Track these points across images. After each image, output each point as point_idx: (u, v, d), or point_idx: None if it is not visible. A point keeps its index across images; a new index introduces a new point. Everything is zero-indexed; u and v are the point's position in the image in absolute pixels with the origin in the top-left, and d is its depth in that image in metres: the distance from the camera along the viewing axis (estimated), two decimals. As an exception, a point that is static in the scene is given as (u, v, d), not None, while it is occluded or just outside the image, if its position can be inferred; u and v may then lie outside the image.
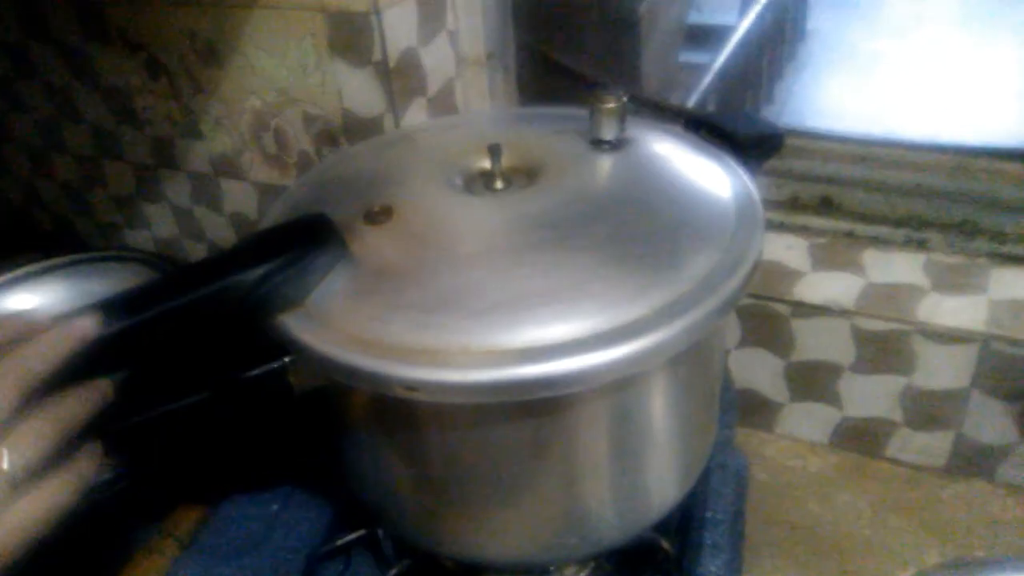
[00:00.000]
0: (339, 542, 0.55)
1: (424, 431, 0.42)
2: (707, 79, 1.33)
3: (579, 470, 0.43)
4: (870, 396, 0.70)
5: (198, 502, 0.60)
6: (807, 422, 0.74)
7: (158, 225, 0.96)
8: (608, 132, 0.49)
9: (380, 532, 0.54)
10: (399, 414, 0.42)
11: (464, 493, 0.45)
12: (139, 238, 0.99)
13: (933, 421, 0.69)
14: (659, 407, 0.43)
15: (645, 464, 0.45)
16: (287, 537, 0.55)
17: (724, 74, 1.38)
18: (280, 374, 0.43)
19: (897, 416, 0.70)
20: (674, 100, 1.16)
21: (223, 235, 0.92)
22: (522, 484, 0.43)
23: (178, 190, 0.91)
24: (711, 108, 1.24)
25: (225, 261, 0.43)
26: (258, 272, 0.41)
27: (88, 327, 0.39)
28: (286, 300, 0.41)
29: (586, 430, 0.42)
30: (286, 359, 0.43)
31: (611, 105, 0.48)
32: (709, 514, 0.54)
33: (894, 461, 0.72)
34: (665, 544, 0.52)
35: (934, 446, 0.70)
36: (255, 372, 0.44)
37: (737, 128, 0.50)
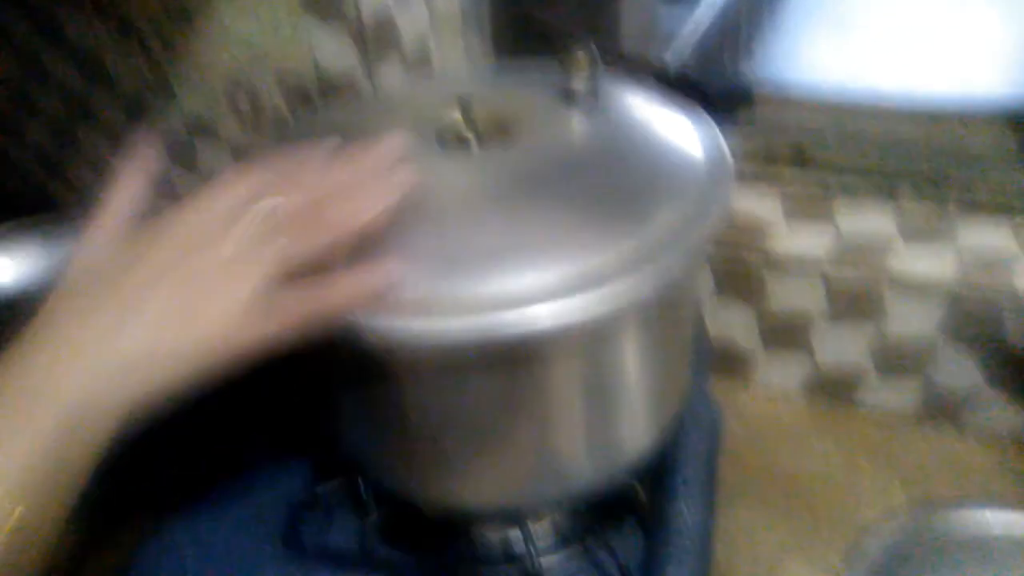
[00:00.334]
0: (319, 490, 0.56)
1: (400, 382, 0.43)
2: (686, 34, 1.32)
3: (552, 419, 0.44)
4: (842, 345, 0.71)
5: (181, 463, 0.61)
6: (781, 372, 0.76)
7: (133, 187, 0.95)
8: (578, 84, 0.49)
9: (360, 480, 0.55)
10: (375, 365, 0.43)
11: (440, 442, 0.45)
12: (115, 200, 0.98)
13: (902, 368, 0.70)
14: (631, 356, 0.44)
15: (618, 413, 0.46)
16: (268, 490, 0.56)
17: (703, 29, 1.38)
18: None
19: (868, 364, 0.71)
20: (653, 55, 1.16)
21: (199, 196, 0.92)
22: (497, 433, 0.44)
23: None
24: (689, 63, 1.24)
25: None
26: None
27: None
28: None
29: (559, 379, 0.43)
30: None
31: (581, 56, 0.48)
32: (682, 460, 0.55)
33: (865, 408, 0.74)
34: (639, 491, 0.53)
35: (904, 393, 0.72)
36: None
37: (708, 82, 0.51)
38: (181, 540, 0.55)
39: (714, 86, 0.51)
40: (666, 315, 0.46)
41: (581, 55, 0.49)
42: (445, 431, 0.44)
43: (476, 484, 0.47)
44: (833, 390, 0.74)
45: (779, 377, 0.76)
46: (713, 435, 0.64)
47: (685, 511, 0.51)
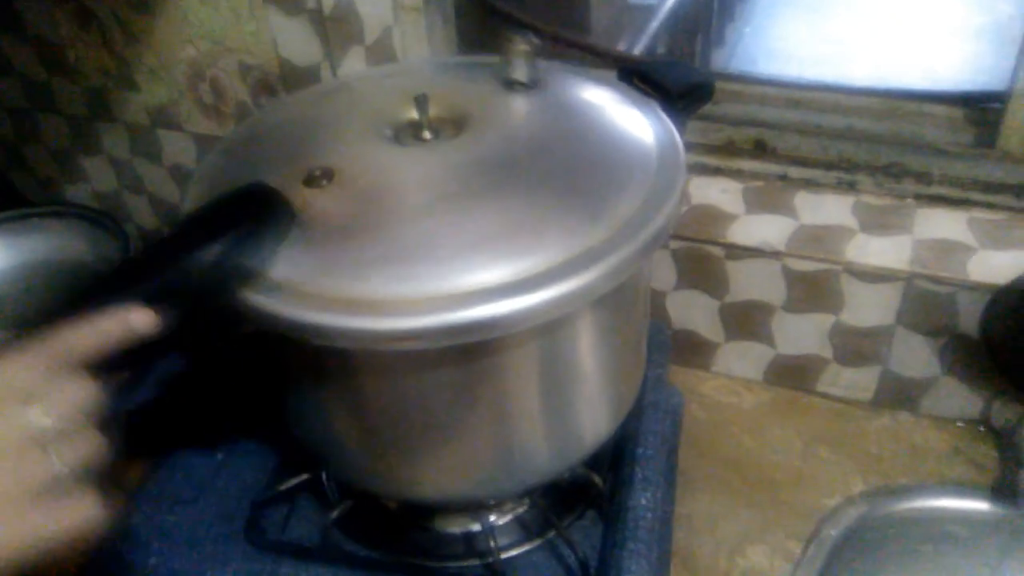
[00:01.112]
0: (282, 487, 0.56)
1: (360, 377, 0.43)
2: (656, 22, 1.32)
3: (510, 410, 0.45)
4: (801, 334, 0.72)
5: (144, 454, 0.61)
6: (742, 360, 0.77)
7: (97, 178, 0.95)
8: (520, 74, 0.49)
9: (323, 475, 0.56)
10: (332, 361, 0.43)
11: (400, 435, 0.46)
12: (79, 192, 0.97)
13: (861, 357, 0.71)
14: (586, 347, 0.45)
15: (574, 403, 0.46)
16: (231, 484, 0.57)
17: (674, 16, 1.38)
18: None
19: (827, 353, 0.73)
20: (623, 43, 1.16)
21: (163, 187, 0.91)
22: (456, 425, 0.45)
23: (116, 142, 0.90)
24: (660, 51, 1.24)
25: (177, 243, 0.41)
26: (214, 251, 0.39)
27: (143, 321, 0.37)
28: (241, 275, 0.40)
29: (515, 371, 0.43)
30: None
31: (521, 47, 0.49)
32: (640, 450, 0.56)
33: (824, 396, 0.75)
34: (597, 480, 0.54)
35: (862, 381, 0.73)
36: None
37: (667, 77, 0.51)
38: (146, 534, 0.55)
39: (674, 81, 0.51)
40: (619, 306, 0.46)
41: (518, 41, 0.49)
42: (405, 425, 0.45)
43: (437, 476, 0.48)
44: (793, 378, 0.75)
45: (740, 365, 0.77)
46: (674, 424, 0.65)
47: (644, 502, 0.52)
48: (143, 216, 0.96)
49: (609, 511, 0.53)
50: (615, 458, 0.56)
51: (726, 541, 0.64)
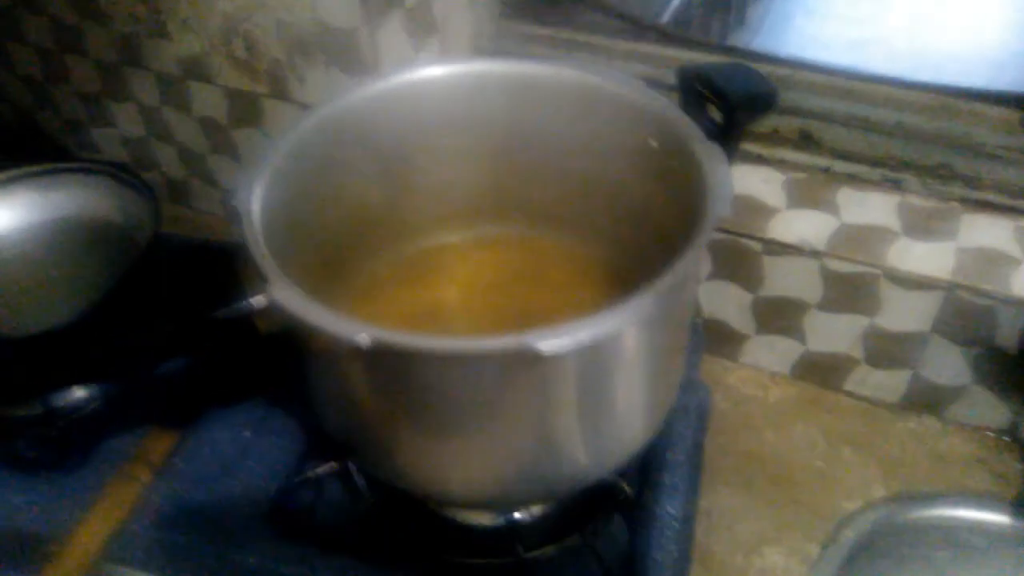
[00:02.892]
0: (310, 474, 0.56)
1: (393, 379, 0.43)
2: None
3: (548, 420, 0.44)
4: (833, 333, 0.72)
5: (172, 427, 0.61)
6: (770, 353, 0.76)
7: (125, 124, 0.93)
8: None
9: (351, 465, 0.56)
10: (367, 364, 0.43)
11: (431, 437, 0.46)
12: (105, 136, 0.96)
13: (892, 360, 0.71)
14: (629, 359, 0.44)
15: (615, 412, 0.46)
16: (259, 464, 0.57)
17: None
18: (246, 317, 0.43)
19: (858, 353, 0.72)
20: (649, 15, 1.12)
21: (193, 138, 0.90)
22: (490, 431, 0.44)
23: (145, 90, 0.88)
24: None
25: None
26: None
27: None
28: None
29: (556, 382, 0.42)
30: (252, 301, 0.42)
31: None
32: (669, 454, 0.56)
33: (850, 395, 0.75)
34: (625, 486, 0.54)
35: (890, 383, 0.72)
36: (220, 312, 0.44)
37: (729, 83, 0.49)
38: (171, 511, 0.55)
39: (736, 88, 0.49)
40: (665, 322, 0.46)
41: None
42: (439, 426, 0.44)
43: (465, 477, 0.47)
44: (821, 375, 0.75)
45: (768, 358, 0.76)
46: (701, 421, 0.65)
47: (671, 510, 0.52)
48: (171, 165, 0.95)
49: (635, 517, 0.54)
50: (643, 462, 0.56)
51: (743, 540, 0.65)
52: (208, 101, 0.85)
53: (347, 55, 0.73)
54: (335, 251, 0.58)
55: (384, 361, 0.40)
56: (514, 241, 0.63)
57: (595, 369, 0.42)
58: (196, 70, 0.83)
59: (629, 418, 0.47)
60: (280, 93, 0.79)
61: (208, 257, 0.66)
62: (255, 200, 0.43)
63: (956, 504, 0.67)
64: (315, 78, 0.76)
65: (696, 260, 0.40)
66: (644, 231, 0.59)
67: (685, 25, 1.10)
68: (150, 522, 0.55)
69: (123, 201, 0.68)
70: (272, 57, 0.77)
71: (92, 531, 0.55)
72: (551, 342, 0.36)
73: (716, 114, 0.51)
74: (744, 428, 0.73)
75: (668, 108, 0.51)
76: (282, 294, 0.39)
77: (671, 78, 0.69)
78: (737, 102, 0.48)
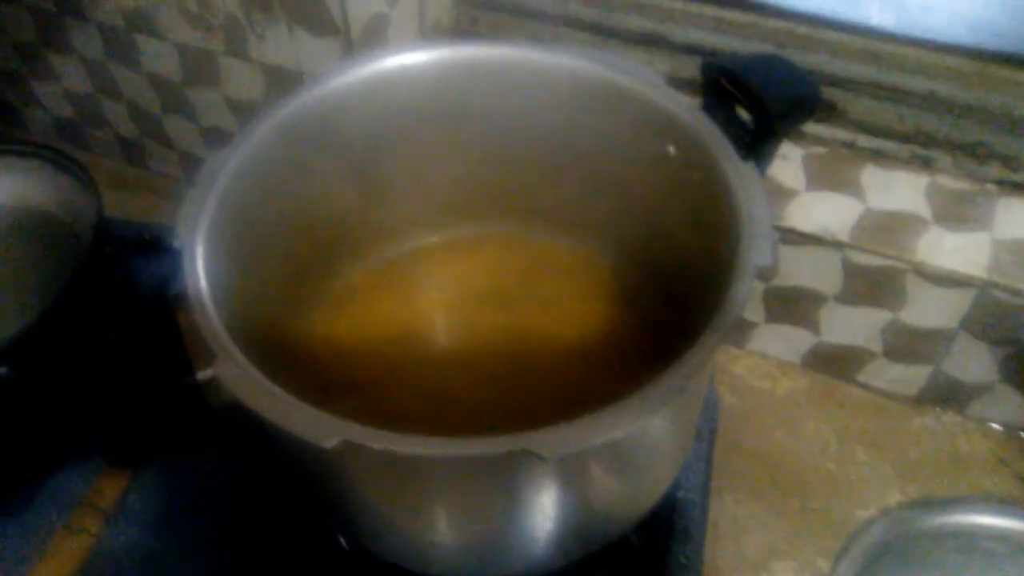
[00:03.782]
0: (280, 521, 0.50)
1: (370, 474, 0.37)
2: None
3: (546, 508, 0.38)
4: (851, 326, 0.66)
5: (119, 467, 0.54)
6: (780, 342, 0.70)
7: (69, 78, 0.84)
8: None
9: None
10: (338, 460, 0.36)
11: (428, 522, 0.40)
12: (48, 88, 0.87)
13: (913, 355, 0.65)
14: (641, 447, 0.38)
15: (620, 491, 0.41)
16: (221, 503, 0.51)
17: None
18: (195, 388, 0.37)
19: (876, 346, 0.66)
20: None
21: (143, 96, 0.81)
22: (491, 519, 0.39)
23: (88, 42, 0.78)
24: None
25: None
26: None
27: None
28: None
29: (557, 477, 0.37)
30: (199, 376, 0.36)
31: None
32: (681, 493, 0.50)
33: (865, 387, 0.70)
34: (632, 536, 0.49)
35: (908, 377, 0.67)
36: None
37: (767, 84, 0.41)
38: (126, 561, 0.50)
39: (775, 91, 0.41)
40: (682, 406, 0.40)
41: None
42: (424, 516, 0.39)
43: (454, 557, 0.42)
44: (833, 366, 0.69)
45: (777, 347, 0.71)
46: (711, 434, 0.59)
47: (683, 560, 0.47)
48: (122, 124, 0.86)
49: (642, 567, 0.49)
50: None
51: (751, 554, 0.61)
52: (158, 57, 0.76)
53: (310, 12, 0.64)
54: (306, 261, 0.51)
55: (359, 457, 0.33)
56: (501, 241, 0.56)
57: (601, 462, 0.36)
58: (142, 23, 0.73)
59: (635, 493, 0.42)
60: (237, 52, 0.71)
61: (157, 249, 0.59)
62: (199, 256, 0.36)
63: (977, 509, 0.63)
64: (277, 36, 0.67)
65: (725, 336, 0.34)
66: (653, 236, 0.52)
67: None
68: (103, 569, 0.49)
69: (60, 189, 0.60)
70: (228, 12, 0.68)
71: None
72: (555, 449, 0.30)
73: (744, 113, 0.44)
74: (751, 426, 0.68)
75: (691, 112, 0.43)
76: (231, 377, 0.32)
77: (677, 34, 0.61)
78: (775, 109, 0.40)
